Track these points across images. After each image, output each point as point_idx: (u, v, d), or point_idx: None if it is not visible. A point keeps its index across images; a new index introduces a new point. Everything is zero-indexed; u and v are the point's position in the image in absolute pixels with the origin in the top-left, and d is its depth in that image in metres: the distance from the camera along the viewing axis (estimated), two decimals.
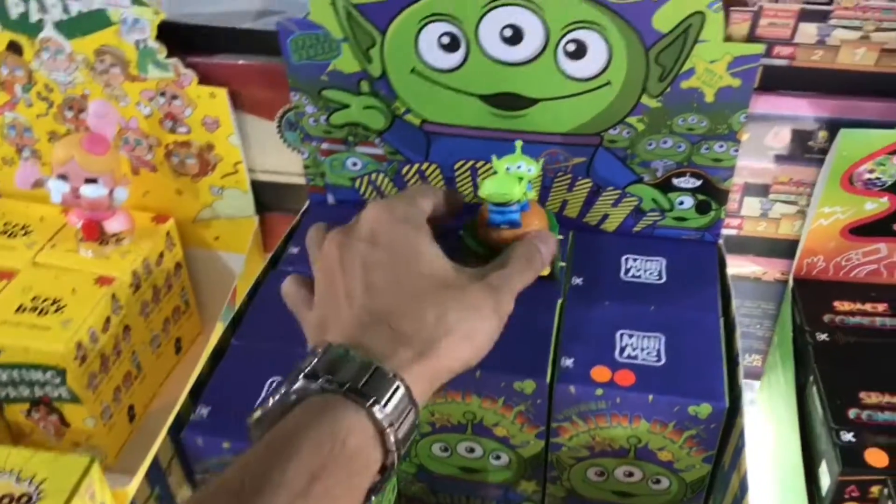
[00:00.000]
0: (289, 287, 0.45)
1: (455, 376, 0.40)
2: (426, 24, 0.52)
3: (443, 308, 0.39)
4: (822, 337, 0.52)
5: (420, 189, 0.45)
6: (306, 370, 0.37)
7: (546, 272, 0.49)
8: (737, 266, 0.60)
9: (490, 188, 0.47)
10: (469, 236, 0.50)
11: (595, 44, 0.51)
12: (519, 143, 0.49)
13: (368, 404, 0.35)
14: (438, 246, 0.42)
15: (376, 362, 0.37)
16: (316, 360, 0.37)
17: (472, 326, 0.39)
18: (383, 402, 0.36)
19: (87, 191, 0.61)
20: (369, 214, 0.43)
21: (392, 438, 0.36)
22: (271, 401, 0.37)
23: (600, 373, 0.48)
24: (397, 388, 0.36)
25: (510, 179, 0.47)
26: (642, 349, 0.49)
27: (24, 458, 0.52)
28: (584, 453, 0.51)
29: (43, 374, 0.58)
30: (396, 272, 0.40)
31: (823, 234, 0.55)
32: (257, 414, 0.37)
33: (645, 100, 0.52)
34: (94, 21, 0.59)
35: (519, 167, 0.47)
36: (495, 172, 0.47)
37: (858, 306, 0.54)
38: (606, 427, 0.49)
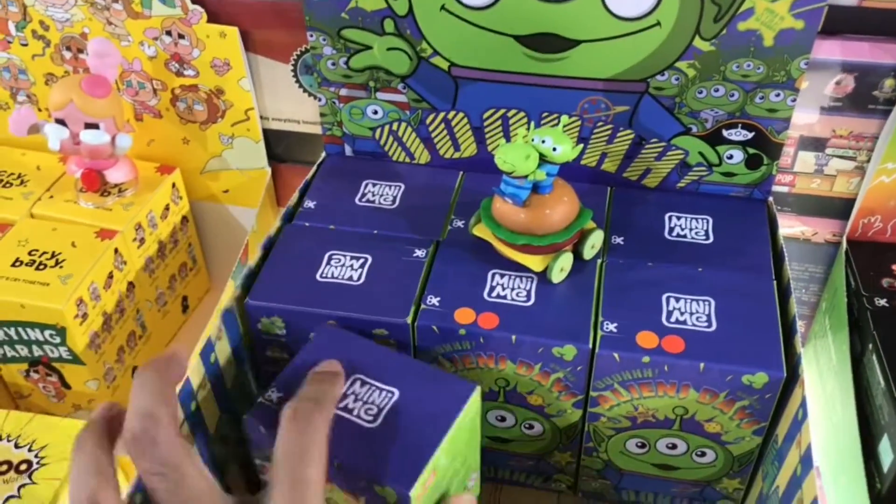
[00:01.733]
0: (87, 443, 0.33)
1: None
2: None
3: None
4: (882, 302, 0.49)
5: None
6: None
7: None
8: (784, 226, 0.56)
9: (500, 152, 0.44)
10: (487, 206, 0.47)
11: None
12: (564, 120, 0.46)
13: None
14: None
15: None
16: None
17: None
18: None
19: (88, 137, 0.57)
20: None
21: None
22: None
23: (646, 338, 0.45)
24: None
25: (523, 150, 0.43)
26: (691, 314, 0.46)
27: (22, 423, 0.50)
28: (624, 424, 0.47)
29: (41, 332, 0.54)
30: None
31: (884, 192, 0.51)
32: None
33: (697, 43, 0.48)
34: None
35: (544, 142, 0.43)
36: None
37: None
38: (651, 396, 0.45)
